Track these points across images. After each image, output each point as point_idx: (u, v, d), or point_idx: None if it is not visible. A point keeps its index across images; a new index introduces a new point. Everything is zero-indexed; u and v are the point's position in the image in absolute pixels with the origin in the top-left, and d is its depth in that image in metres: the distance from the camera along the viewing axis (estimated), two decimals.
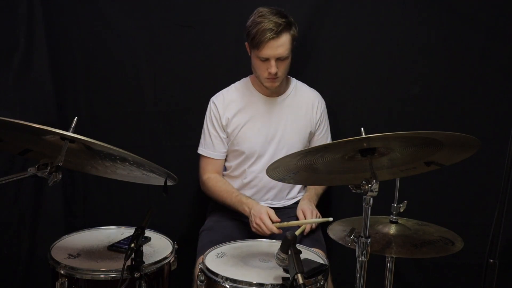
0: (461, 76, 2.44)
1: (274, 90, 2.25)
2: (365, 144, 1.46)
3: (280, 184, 2.27)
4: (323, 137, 2.38)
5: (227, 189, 2.26)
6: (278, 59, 2.11)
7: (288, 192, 2.35)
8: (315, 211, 2.20)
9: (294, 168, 1.60)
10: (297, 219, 2.19)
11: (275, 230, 2.03)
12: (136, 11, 2.47)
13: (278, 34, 2.06)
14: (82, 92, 2.54)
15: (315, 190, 2.35)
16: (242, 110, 2.27)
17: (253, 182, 2.31)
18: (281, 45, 2.09)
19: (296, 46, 2.19)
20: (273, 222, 2.04)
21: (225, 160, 2.36)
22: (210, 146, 2.30)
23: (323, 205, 2.35)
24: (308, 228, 2.14)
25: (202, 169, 2.34)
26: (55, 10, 2.44)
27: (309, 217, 2.15)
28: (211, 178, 2.31)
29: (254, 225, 2.07)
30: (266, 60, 2.11)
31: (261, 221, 2.04)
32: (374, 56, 2.48)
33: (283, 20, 2.08)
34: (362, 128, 1.53)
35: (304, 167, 1.59)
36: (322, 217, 2.18)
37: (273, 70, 2.11)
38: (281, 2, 2.25)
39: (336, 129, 2.47)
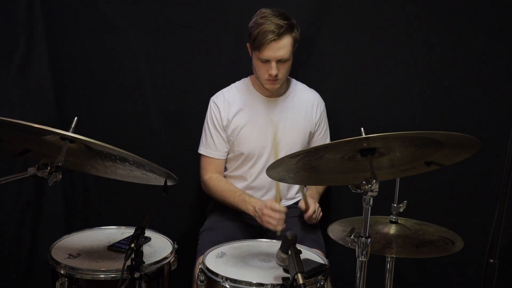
0: (461, 76, 2.44)
1: (274, 91, 2.25)
2: (365, 144, 1.46)
3: (280, 184, 2.27)
4: (323, 137, 2.38)
5: (230, 188, 2.26)
6: (279, 61, 2.11)
7: (288, 192, 2.35)
8: (318, 207, 2.21)
9: (294, 168, 1.59)
10: (299, 214, 2.20)
11: (284, 209, 2.01)
12: (136, 11, 2.47)
13: (279, 36, 2.06)
14: (82, 92, 2.54)
15: (317, 189, 2.37)
16: (242, 110, 2.27)
17: (253, 183, 2.30)
18: (282, 47, 2.09)
19: (296, 47, 2.19)
20: None
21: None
22: (211, 145, 2.30)
23: (323, 205, 2.35)
24: (310, 212, 2.12)
25: (203, 169, 2.34)
26: (55, 10, 2.44)
27: (312, 210, 2.14)
28: (212, 178, 2.30)
29: (265, 217, 2.02)
30: (267, 61, 2.11)
31: (270, 208, 2.01)
32: (374, 56, 2.48)
33: (285, 22, 2.08)
34: (362, 128, 1.53)
35: (304, 167, 1.59)
36: (324, 216, 2.22)
37: (274, 72, 2.11)
38: (282, 3, 2.25)
39: (336, 129, 2.47)
